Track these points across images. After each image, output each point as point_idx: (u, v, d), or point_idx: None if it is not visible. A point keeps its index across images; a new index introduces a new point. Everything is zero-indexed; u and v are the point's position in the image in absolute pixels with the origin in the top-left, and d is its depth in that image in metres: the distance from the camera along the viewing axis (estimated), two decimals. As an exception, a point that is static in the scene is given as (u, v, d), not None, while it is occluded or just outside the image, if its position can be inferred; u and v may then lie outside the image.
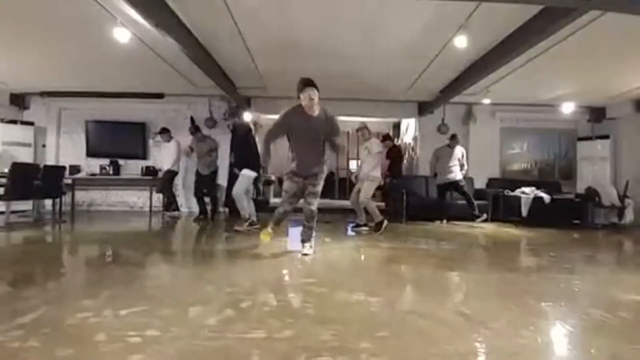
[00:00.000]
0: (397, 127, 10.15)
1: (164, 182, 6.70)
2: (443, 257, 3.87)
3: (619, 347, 1.69)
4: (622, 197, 6.63)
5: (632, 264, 3.97)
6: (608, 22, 3.76)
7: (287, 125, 3.39)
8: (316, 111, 3.29)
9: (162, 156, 6.97)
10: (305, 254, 3.45)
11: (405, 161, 9.06)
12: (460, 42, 4.28)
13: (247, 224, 4.84)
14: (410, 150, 8.90)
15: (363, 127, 5.43)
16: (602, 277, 3.18)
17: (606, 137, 7.46)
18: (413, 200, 6.94)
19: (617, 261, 4.18)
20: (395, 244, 4.40)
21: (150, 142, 7.13)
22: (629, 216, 6.60)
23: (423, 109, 7.87)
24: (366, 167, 5.22)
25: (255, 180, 5.45)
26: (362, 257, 3.79)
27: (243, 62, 5.56)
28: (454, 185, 6.51)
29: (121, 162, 7.53)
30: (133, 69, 5.98)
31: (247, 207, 4.89)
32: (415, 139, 8.50)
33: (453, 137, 6.61)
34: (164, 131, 6.67)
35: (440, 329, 1.86)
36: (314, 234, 3.68)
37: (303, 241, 3.61)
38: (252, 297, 2.29)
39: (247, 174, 4.92)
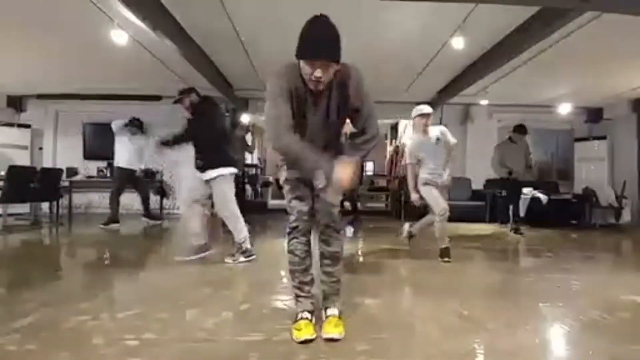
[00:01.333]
0: (394, 128, 10.17)
1: (146, 184, 5.98)
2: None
3: (617, 348, 1.70)
4: (620, 198, 6.66)
5: (629, 264, 3.98)
6: (606, 22, 3.77)
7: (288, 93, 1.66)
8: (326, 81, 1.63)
9: (132, 153, 5.86)
10: (335, 339, 1.70)
11: (402, 162, 9.08)
12: (458, 43, 4.29)
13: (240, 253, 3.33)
14: (408, 151, 8.90)
15: (430, 114, 3.62)
16: (600, 277, 3.18)
17: (603, 137, 7.48)
18: (412, 201, 6.95)
19: (614, 261, 4.19)
20: (394, 245, 4.40)
21: (119, 122, 5.72)
22: (626, 216, 6.62)
23: (421, 110, 7.88)
24: (447, 167, 3.68)
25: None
26: (361, 259, 3.79)
27: (240, 64, 5.56)
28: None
29: (118, 164, 7.49)
30: (130, 71, 5.97)
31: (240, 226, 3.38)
32: (413, 140, 8.51)
33: (518, 130, 5.36)
34: (138, 123, 5.68)
35: (438, 330, 1.86)
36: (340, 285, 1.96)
37: (326, 301, 1.91)
38: (250, 299, 2.29)
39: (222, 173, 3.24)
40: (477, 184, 7.65)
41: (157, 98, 7.45)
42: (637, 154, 6.83)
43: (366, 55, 5.14)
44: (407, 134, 9.10)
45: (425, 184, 3.67)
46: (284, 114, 1.62)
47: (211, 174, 3.19)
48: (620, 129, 7.21)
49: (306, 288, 1.87)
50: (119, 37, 4.22)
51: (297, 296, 1.88)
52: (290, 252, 1.86)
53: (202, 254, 3.27)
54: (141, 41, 4.60)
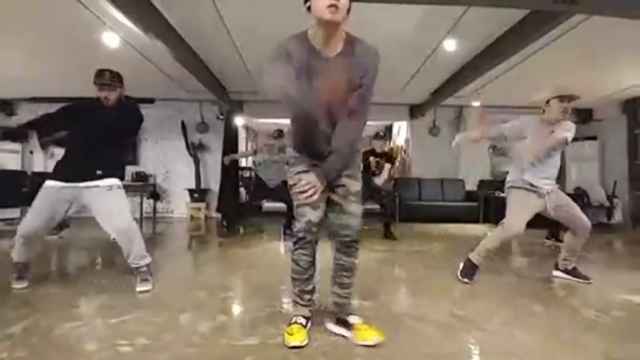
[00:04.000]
0: (389, 129, 10.22)
1: None
2: (436, 258, 3.88)
3: (612, 347, 1.71)
4: (611, 197, 6.74)
5: (622, 263, 4.01)
6: (595, 25, 3.82)
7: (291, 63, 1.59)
8: (339, 43, 1.63)
9: None
10: (373, 345, 1.65)
11: (397, 163, 9.12)
12: (450, 45, 4.33)
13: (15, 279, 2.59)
14: (403, 153, 8.95)
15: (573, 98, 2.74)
16: (594, 277, 3.19)
17: (594, 138, 7.58)
18: (406, 202, 7.00)
19: (608, 261, 4.22)
20: (388, 246, 4.41)
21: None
22: (617, 215, 6.70)
23: (415, 111, 7.93)
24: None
25: None
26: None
27: (234, 66, 5.54)
28: None
29: (111, 167, 7.44)
30: (122, 74, 5.91)
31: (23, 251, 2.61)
32: (407, 141, 8.56)
33: None
34: None
35: (433, 330, 1.86)
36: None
37: (343, 309, 1.84)
38: (246, 302, 2.27)
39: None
40: (471, 185, 7.70)
41: (150, 101, 7.39)
42: (627, 154, 6.90)
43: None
44: (401, 135, 9.16)
45: (520, 187, 2.72)
46: (286, 72, 1.56)
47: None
48: (610, 130, 7.30)
49: (306, 297, 1.82)
50: (111, 40, 4.20)
51: (295, 302, 1.85)
52: (293, 261, 1.78)
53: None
54: (133, 43, 4.58)
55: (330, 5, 1.49)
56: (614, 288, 2.72)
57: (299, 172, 1.71)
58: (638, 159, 6.66)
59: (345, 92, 1.62)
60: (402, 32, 4.38)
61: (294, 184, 1.69)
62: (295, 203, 1.72)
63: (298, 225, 1.72)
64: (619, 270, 3.55)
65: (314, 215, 1.69)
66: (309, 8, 1.57)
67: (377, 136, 5.02)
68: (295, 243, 1.76)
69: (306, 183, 1.61)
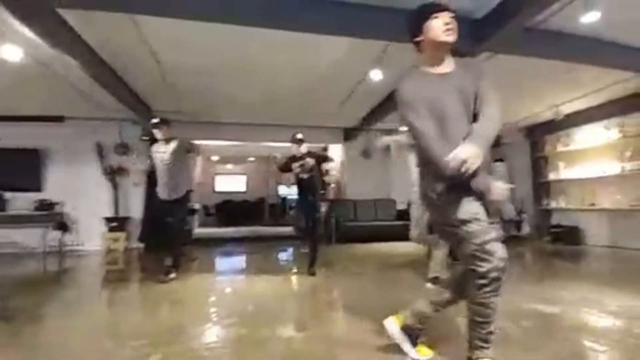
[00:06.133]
0: (324, 151, 10.39)
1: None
2: (363, 280, 3.90)
3: (519, 357, 1.81)
4: (519, 212, 7.56)
5: (530, 273, 4.40)
6: (500, 61, 4.24)
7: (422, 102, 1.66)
8: (450, 60, 1.79)
9: None
10: None
11: (333, 185, 9.24)
12: (376, 74, 4.54)
13: None
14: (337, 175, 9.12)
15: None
16: (508, 288, 3.40)
17: (502, 160, 8.45)
18: (343, 223, 7.12)
19: (517, 271, 4.57)
20: (321, 270, 4.32)
21: None
22: (525, 228, 7.52)
23: (348, 134, 8.19)
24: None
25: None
26: (289, 289, 3.66)
27: (156, 83, 5.19)
28: None
29: (8, 195, 6.43)
30: (25, 90, 5.25)
31: None
32: (342, 163, 8.74)
33: None
34: None
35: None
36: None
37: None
38: (162, 349, 2.02)
39: None
40: (404, 204, 8.05)
41: (58, 119, 6.65)
42: (532, 174, 7.82)
43: (301, 81, 5.21)
44: (336, 157, 9.31)
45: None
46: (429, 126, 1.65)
47: None
48: (516, 153, 8.19)
49: (491, 338, 1.57)
50: (12, 54, 3.75)
51: (479, 348, 1.59)
52: (479, 304, 1.54)
53: None
54: (38, 57, 4.08)
55: (448, 29, 1.69)
56: (523, 298, 2.90)
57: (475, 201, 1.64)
58: (541, 178, 7.56)
59: (471, 104, 1.78)
60: (335, 62, 4.55)
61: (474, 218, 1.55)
62: (478, 240, 1.51)
63: (488, 266, 1.47)
64: (528, 280, 3.86)
65: (504, 249, 1.51)
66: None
67: (293, 139, 4.28)
68: (483, 286, 1.51)
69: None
